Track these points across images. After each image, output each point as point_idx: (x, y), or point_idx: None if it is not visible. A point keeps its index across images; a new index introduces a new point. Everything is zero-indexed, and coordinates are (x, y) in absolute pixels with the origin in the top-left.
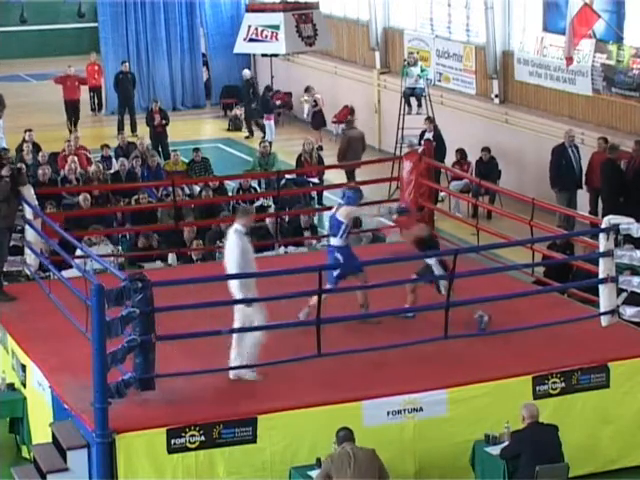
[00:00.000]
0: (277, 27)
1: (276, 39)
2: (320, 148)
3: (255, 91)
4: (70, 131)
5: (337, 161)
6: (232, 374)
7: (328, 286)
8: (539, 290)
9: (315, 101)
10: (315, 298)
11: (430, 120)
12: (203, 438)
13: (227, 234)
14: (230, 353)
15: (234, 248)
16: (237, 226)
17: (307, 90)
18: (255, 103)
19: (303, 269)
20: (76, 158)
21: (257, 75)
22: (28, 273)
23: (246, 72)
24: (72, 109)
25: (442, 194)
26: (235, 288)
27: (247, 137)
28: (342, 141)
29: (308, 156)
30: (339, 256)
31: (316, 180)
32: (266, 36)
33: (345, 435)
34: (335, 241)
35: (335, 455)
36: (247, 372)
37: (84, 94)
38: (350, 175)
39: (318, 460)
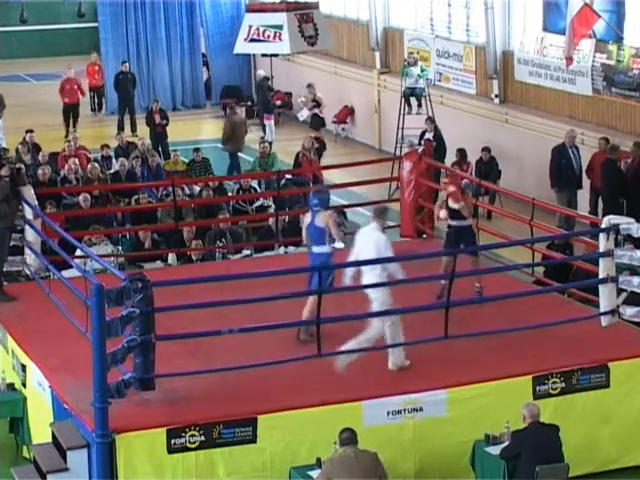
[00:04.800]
0: (280, 27)
1: (279, 39)
2: (324, 147)
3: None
4: (67, 133)
5: (222, 145)
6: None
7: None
8: (539, 290)
9: (315, 100)
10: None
11: (431, 120)
12: (203, 438)
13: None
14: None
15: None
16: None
17: (309, 86)
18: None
19: (303, 269)
20: (77, 160)
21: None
22: (28, 273)
23: (260, 72)
24: (71, 112)
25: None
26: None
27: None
28: (226, 126)
29: (308, 153)
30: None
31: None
32: (268, 36)
33: (348, 437)
34: (322, 249)
35: (336, 458)
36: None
37: (85, 96)
38: (234, 156)
39: (318, 460)
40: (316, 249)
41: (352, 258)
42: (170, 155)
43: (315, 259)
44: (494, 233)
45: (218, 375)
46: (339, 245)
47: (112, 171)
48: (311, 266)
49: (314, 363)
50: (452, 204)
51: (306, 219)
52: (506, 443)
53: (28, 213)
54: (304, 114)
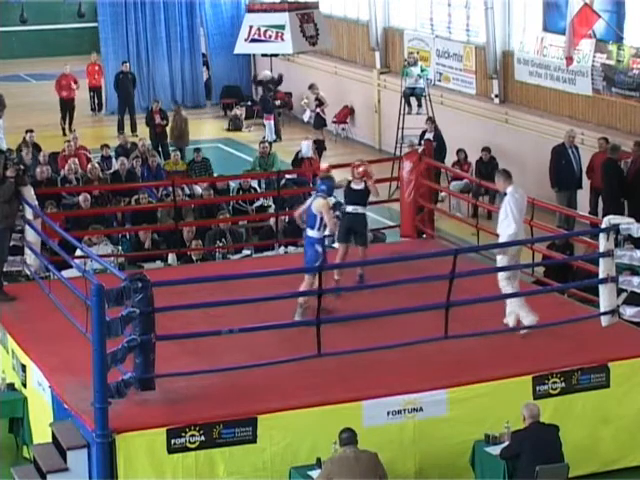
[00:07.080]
0: (282, 27)
1: (281, 39)
2: (323, 148)
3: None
4: (64, 130)
5: (173, 139)
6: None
7: (307, 276)
8: (539, 290)
9: (318, 100)
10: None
11: (431, 120)
12: (203, 438)
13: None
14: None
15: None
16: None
17: (311, 87)
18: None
19: (303, 269)
20: (77, 160)
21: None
22: (28, 273)
23: (267, 73)
24: (67, 108)
25: (442, 194)
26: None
27: (274, 141)
28: (177, 123)
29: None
30: (319, 248)
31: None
32: (270, 36)
33: (348, 437)
34: (312, 233)
35: (336, 458)
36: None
37: (83, 93)
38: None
39: (318, 460)
40: (308, 232)
41: (512, 219)
42: (170, 155)
43: (306, 241)
44: (494, 233)
45: (218, 375)
46: (335, 245)
47: (111, 171)
48: (310, 267)
49: (314, 363)
50: (355, 185)
51: (308, 201)
52: (506, 443)
53: (28, 213)
54: (307, 115)
